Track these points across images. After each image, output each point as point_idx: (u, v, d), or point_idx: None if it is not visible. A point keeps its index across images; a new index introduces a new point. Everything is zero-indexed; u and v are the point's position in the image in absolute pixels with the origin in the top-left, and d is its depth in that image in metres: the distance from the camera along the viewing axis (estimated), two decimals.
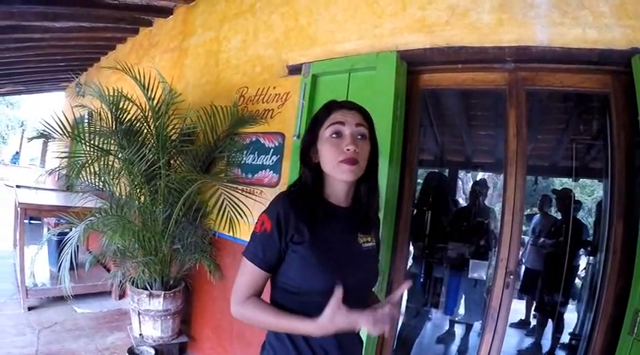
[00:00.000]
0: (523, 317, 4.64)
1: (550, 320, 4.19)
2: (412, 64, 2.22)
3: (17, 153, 20.59)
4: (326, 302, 1.06)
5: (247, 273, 1.21)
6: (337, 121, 1.20)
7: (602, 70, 1.90)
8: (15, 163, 19.63)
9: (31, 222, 6.50)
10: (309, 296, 1.15)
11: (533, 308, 4.57)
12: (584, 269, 4.37)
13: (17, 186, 5.11)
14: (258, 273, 1.20)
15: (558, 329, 4.05)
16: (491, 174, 6.66)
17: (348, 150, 1.16)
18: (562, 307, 3.99)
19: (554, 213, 4.69)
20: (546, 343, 4.14)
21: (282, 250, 1.17)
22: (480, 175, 6.03)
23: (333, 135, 1.19)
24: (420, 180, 4.14)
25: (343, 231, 1.24)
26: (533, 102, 2.07)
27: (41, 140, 2.96)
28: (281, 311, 1.16)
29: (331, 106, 1.25)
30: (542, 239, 4.45)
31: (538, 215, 4.84)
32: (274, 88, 2.84)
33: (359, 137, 1.20)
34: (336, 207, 1.25)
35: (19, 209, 4.07)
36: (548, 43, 1.86)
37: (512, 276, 2.05)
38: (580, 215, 4.62)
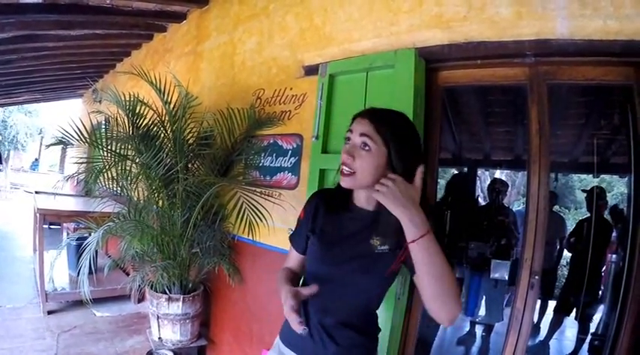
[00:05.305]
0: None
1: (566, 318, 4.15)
2: (431, 61, 2.17)
3: (36, 159, 20.98)
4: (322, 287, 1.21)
5: (289, 249, 1.48)
6: (348, 130, 1.23)
7: (625, 62, 1.82)
8: (35, 170, 20.02)
9: (51, 227, 6.62)
10: (312, 280, 1.28)
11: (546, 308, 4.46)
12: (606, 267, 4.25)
13: (36, 192, 5.19)
14: (293, 251, 1.45)
15: (583, 330, 3.96)
16: (508, 172, 6.57)
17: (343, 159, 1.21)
18: (587, 307, 3.89)
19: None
20: (554, 343, 4.09)
21: (307, 236, 1.37)
22: (497, 173, 5.95)
23: (346, 143, 1.23)
24: (440, 181, 4.09)
25: (358, 231, 1.28)
26: (552, 97, 2.01)
27: (59, 147, 2.98)
28: (285, 278, 1.34)
29: (355, 115, 1.27)
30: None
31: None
32: (291, 88, 2.82)
33: (362, 147, 1.18)
34: (359, 209, 1.30)
35: (37, 214, 4.12)
36: (569, 36, 1.78)
37: (536, 277, 1.99)
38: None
